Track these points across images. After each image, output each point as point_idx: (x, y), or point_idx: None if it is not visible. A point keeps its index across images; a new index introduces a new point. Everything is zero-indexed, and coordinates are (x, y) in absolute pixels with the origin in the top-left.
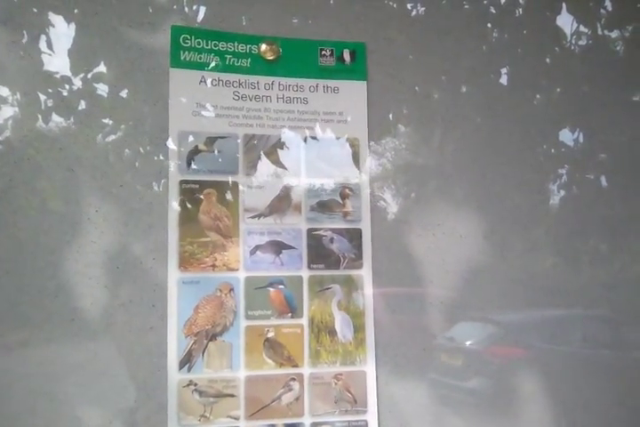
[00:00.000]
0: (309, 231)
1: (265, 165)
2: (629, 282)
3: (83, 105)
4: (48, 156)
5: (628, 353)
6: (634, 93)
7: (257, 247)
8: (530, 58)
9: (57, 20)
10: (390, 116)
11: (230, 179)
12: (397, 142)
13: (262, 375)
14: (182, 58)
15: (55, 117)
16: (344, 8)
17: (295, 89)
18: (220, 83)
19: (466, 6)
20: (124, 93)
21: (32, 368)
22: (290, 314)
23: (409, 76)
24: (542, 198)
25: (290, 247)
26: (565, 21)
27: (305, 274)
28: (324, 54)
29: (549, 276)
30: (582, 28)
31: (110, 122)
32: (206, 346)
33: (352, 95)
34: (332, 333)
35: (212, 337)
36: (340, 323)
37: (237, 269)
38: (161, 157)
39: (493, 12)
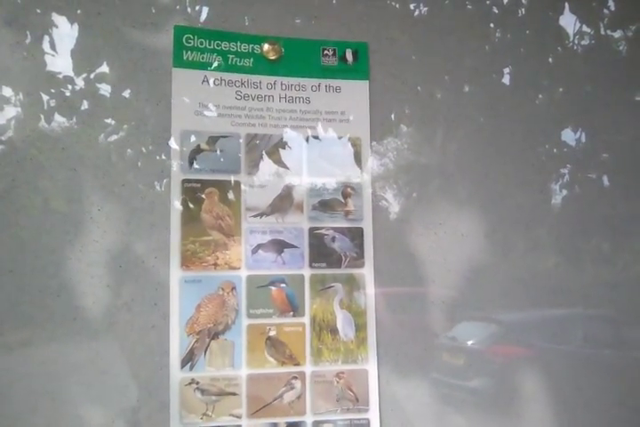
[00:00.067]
0: (311, 230)
1: (267, 165)
2: (631, 282)
3: (85, 105)
4: (50, 155)
5: (629, 353)
6: (636, 93)
7: (259, 246)
8: (532, 58)
9: (60, 20)
10: (392, 115)
11: (232, 178)
12: (399, 142)
13: (264, 374)
14: (185, 58)
15: (58, 117)
16: (346, 8)
17: (297, 89)
18: (223, 82)
19: (468, 6)
20: (126, 93)
21: (34, 367)
22: (292, 313)
23: (411, 76)
24: (544, 198)
25: (292, 246)
26: (568, 21)
27: (307, 273)
28: (327, 54)
29: (551, 275)
30: (585, 28)
31: (113, 122)
32: (208, 345)
33: (354, 95)
34: (334, 331)
35: (214, 336)
36: (342, 321)
37: (239, 268)
38: (163, 157)
39: (496, 11)
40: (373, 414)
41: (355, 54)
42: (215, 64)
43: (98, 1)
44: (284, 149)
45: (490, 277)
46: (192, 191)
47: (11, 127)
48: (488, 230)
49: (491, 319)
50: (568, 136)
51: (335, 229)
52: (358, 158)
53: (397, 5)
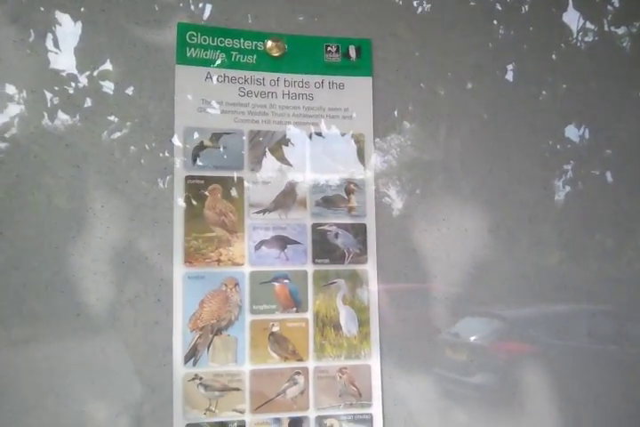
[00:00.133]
0: (314, 226)
1: (270, 161)
2: (635, 277)
3: (89, 102)
4: (54, 153)
5: (634, 348)
6: None
7: (262, 242)
8: (536, 54)
9: (63, 18)
10: (395, 112)
11: (235, 174)
12: (402, 138)
13: (267, 369)
14: (188, 55)
15: (61, 115)
16: (350, 4)
17: (301, 85)
18: (226, 79)
19: (471, 3)
20: (129, 90)
21: (38, 363)
22: (295, 308)
23: (414, 73)
24: (548, 194)
25: (295, 242)
26: (572, 18)
27: (310, 269)
28: (330, 50)
29: (555, 271)
30: (589, 25)
31: (116, 119)
32: (211, 340)
33: (357, 91)
34: (337, 327)
35: (218, 331)
36: (345, 317)
37: (242, 264)
38: (166, 154)
39: (499, 8)
40: (376, 410)
41: (358, 51)
42: (218, 61)
43: None
44: (287, 145)
45: (493, 273)
46: (195, 188)
47: (14, 125)
48: (492, 226)
49: (494, 315)
50: (572, 132)
51: (338, 226)
52: (361, 155)
53: (400, 2)
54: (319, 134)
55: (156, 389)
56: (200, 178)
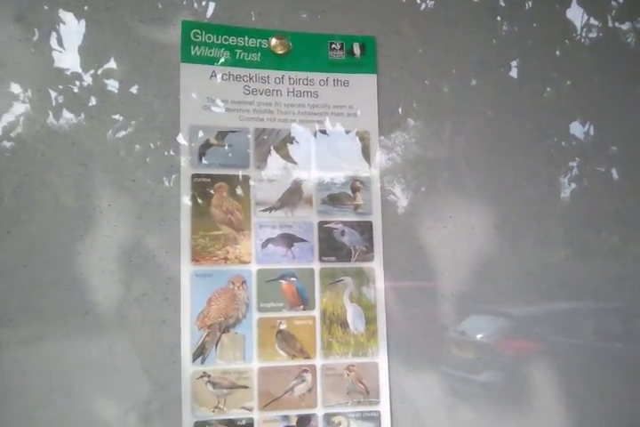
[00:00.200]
0: (320, 224)
1: (276, 159)
2: None
3: (94, 101)
4: (60, 151)
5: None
6: None
7: (268, 240)
8: (540, 51)
9: (67, 16)
10: (400, 109)
11: (241, 173)
12: (408, 135)
13: (275, 367)
14: (193, 53)
15: (66, 113)
16: (353, 1)
17: (305, 83)
18: (231, 77)
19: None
20: (134, 89)
21: (46, 361)
22: (302, 306)
23: (419, 70)
24: (553, 191)
25: (301, 240)
26: (575, 14)
27: (316, 266)
28: (334, 48)
29: (561, 269)
30: (593, 21)
31: (121, 117)
32: (219, 338)
33: (362, 89)
34: (344, 325)
35: (225, 329)
36: (352, 315)
37: (249, 262)
38: (172, 152)
39: (503, 4)
40: (384, 407)
41: (362, 48)
42: (223, 59)
43: None
44: (293, 143)
45: (499, 270)
46: (202, 186)
47: (20, 124)
48: (497, 223)
49: (500, 313)
50: (576, 129)
51: (344, 223)
52: (366, 152)
53: None
54: (324, 132)
55: (165, 386)
56: (206, 176)
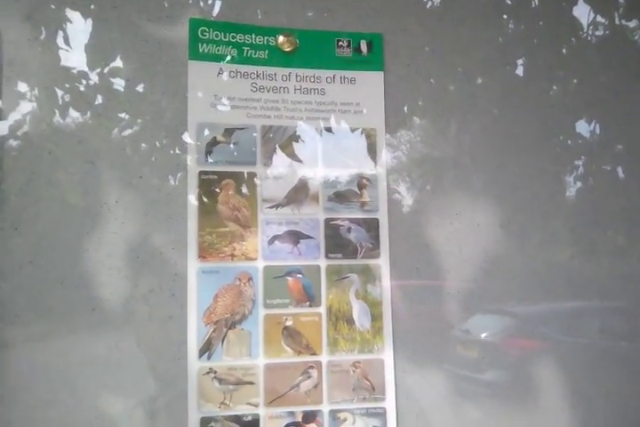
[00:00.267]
0: (327, 221)
1: (282, 156)
2: None
3: (100, 99)
4: (67, 149)
5: None
6: None
7: (275, 237)
8: (546, 49)
9: (74, 15)
10: (407, 106)
11: (248, 170)
12: (414, 133)
13: (281, 363)
14: (200, 50)
15: (73, 112)
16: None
17: (312, 80)
18: (238, 74)
19: None
20: (142, 86)
21: (53, 357)
22: (308, 303)
23: (425, 68)
24: (559, 190)
25: (307, 237)
26: (582, 12)
27: (322, 263)
28: (341, 45)
29: (567, 267)
30: (599, 18)
31: (128, 115)
32: (226, 334)
33: (369, 86)
34: (350, 321)
35: (232, 325)
36: (358, 312)
37: (256, 259)
38: (179, 149)
39: (509, 2)
40: (389, 404)
41: (369, 45)
42: (230, 56)
43: None
44: (300, 140)
45: (505, 269)
46: (209, 183)
47: (27, 122)
48: (503, 222)
49: (506, 312)
50: (582, 127)
51: (351, 220)
52: (373, 149)
53: None
54: (331, 129)
55: (171, 382)
56: (213, 173)
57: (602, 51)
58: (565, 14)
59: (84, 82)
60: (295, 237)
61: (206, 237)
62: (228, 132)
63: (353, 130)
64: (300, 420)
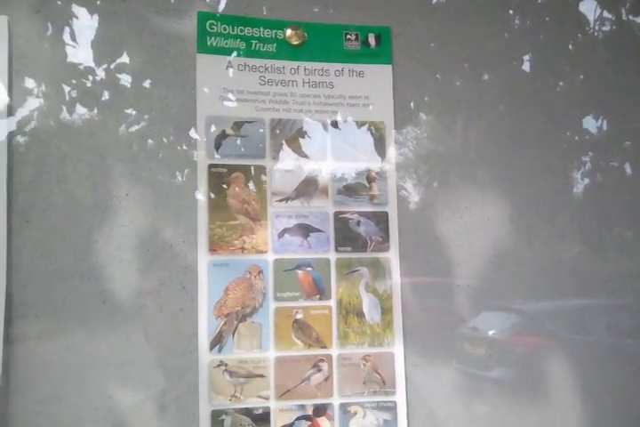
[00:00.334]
0: (336, 214)
1: (291, 150)
2: None
3: (107, 95)
4: (77, 144)
5: None
6: None
7: (285, 230)
8: (552, 44)
9: (81, 10)
10: (415, 99)
11: (258, 163)
12: (423, 126)
13: (291, 356)
14: (209, 44)
15: (79, 107)
16: None
17: (320, 73)
18: (246, 68)
19: None
20: (151, 80)
21: (64, 350)
22: (318, 296)
23: (432, 62)
24: (566, 186)
25: (317, 230)
26: (588, 7)
27: (332, 257)
28: (349, 38)
29: (574, 264)
30: (606, 14)
31: (136, 110)
32: (236, 327)
33: (377, 79)
34: (360, 314)
35: (242, 318)
36: (368, 305)
37: (266, 252)
38: (189, 142)
39: None
40: (400, 397)
41: (377, 39)
42: (238, 50)
43: None
44: (308, 133)
45: (512, 266)
46: (218, 176)
47: (34, 118)
48: (512, 217)
49: (513, 309)
50: (589, 123)
51: (360, 214)
52: (382, 142)
53: None
54: (339, 123)
55: (182, 375)
56: (223, 166)
57: (608, 46)
58: (572, 10)
59: (90, 78)
60: (305, 230)
61: (216, 230)
62: (237, 125)
63: (361, 123)
64: (310, 413)
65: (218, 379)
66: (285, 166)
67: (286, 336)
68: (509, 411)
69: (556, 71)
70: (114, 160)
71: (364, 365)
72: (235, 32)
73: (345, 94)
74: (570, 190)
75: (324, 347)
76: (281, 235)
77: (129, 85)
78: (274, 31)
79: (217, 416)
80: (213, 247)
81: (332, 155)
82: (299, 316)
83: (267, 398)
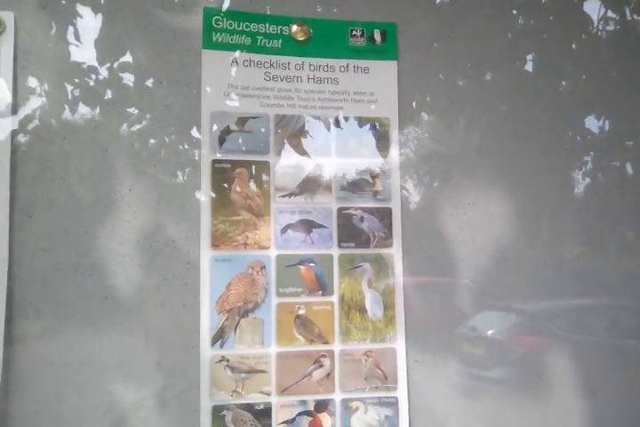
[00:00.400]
0: (340, 210)
1: (295, 145)
2: None
3: (109, 94)
4: (79, 139)
5: None
6: None
7: (288, 226)
8: (556, 44)
9: (85, 9)
10: (420, 95)
11: (261, 159)
12: (429, 122)
13: (293, 352)
14: (214, 39)
15: (82, 106)
16: None
17: (326, 69)
18: (252, 63)
19: None
20: (156, 76)
21: (65, 346)
22: (320, 291)
23: (436, 59)
24: (568, 186)
25: (320, 226)
26: (592, 7)
27: (335, 252)
28: (355, 35)
29: (576, 264)
30: (610, 14)
31: (139, 108)
32: (238, 323)
33: (383, 75)
34: (363, 310)
35: (244, 314)
36: (370, 301)
37: (269, 248)
38: (193, 138)
39: None
40: (402, 393)
41: (383, 35)
42: (244, 45)
43: None
44: (312, 129)
45: (513, 266)
46: (222, 172)
47: (36, 117)
48: (513, 216)
49: (513, 309)
50: (592, 123)
51: (363, 209)
52: (386, 139)
53: None
54: (344, 119)
55: (183, 371)
56: (227, 162)
57: (612, 46)
58: (576, 9)
59: (93, 76)
60: (308, 226)
61: (219, 226)
62: (242, 120)
63: (366, 119)
64: (312, 409)
65: (219, 374)
66: (289, 162)
67: (288, 332)
68: (510, 409)
69: (559, 71)
70: (117, 156)
71: (366, 360)
72: (240, 28)
73: (350, 90)
74: (571, 190)
75: (326, 343)
76: (284, 230)
77: (132, 84)
78: (279, 27)
79: (218, 412)
80: (216, 243)
81: (336, 150)
82: (301, 311)
83: (268, 394)
